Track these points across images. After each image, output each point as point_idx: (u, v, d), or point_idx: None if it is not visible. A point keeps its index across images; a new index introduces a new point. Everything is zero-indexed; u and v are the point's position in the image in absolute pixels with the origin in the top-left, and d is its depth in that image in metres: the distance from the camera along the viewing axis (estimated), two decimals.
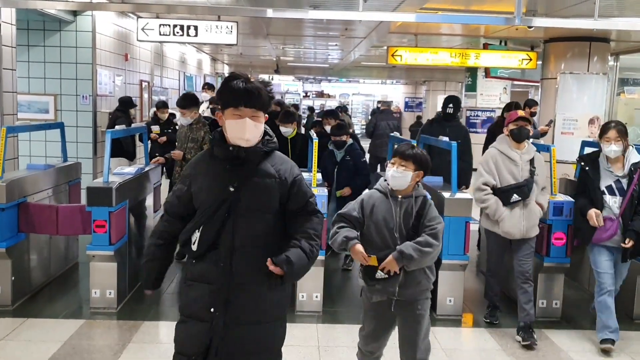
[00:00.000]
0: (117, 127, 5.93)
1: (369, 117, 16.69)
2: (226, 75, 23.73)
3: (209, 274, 2.49)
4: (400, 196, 3.30)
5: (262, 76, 27.84)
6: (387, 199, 3.31)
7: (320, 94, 29.13)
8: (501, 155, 4.77)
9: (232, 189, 2.45)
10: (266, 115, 2.53)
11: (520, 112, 4.83)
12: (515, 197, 4.66)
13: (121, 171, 5.65)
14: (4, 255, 4.93)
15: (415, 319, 3.39)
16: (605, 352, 4.54)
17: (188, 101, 6.45)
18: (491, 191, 4.73)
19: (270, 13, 5.04)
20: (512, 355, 4.51)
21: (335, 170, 6.42)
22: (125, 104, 8.83)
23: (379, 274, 3.22)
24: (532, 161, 4.77)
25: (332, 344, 4.60)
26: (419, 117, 23.27)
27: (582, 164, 4.86)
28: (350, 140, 6.51)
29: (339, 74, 24.10)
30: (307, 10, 5.48)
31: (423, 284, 3.34)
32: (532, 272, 4.84)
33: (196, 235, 2.51)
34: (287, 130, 6.79)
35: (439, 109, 22.25)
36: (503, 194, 4.69)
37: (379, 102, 19.53)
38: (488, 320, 5.15)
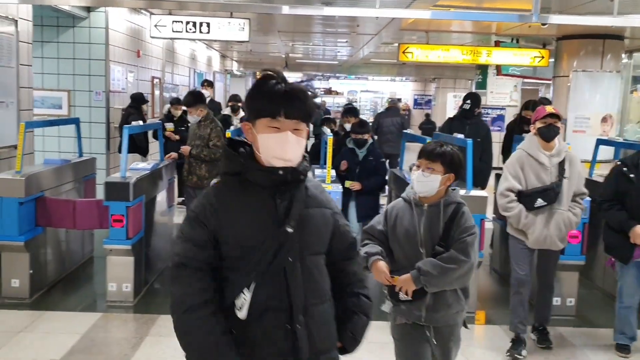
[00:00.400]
0: (133, 123, 5.98)
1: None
2: (235, 72, 23.65)
3: (267, 340, 1.84)
4: (426, 204, 2.85)
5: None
6: (411, 209, 2.87)
7: (329, 91, 29.14)
8: (528, 158, 4.29)
9: (289, 229, 1.84)
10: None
11: (549, 108, 4.33)
12: (539, 201, 4.21)
13: (137, 166, 5.70)
14: (22, 249, 4.98)
15: (446, 347, 2.96)
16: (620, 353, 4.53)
17: (193, 99, 6.38)
18: (515, 198, 4.30)
19: (286, 10, 5.06)
20: (526, 351, 4.51)
21: (357, 170, 6.16)
22: (137, 100, 8.88)
23: (402, 296, 2.79)
24: (562, 163, 4.27)
25: None
26: (427, 115, 23.26)
27: (625, 169, 4.34)
28: (371, 139, 6.26)
29: (348, 71, 24.10)
30: (322, 7, 5.49)
31: (454, 306, 2.86)
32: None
33: (245, 297, 1.81)
34: None
35: (449, 106, 22.21)
36: (526, 198, 4.26)
37: (388, 99, 19.49)
38: (510, 357, 4.40)
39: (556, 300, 5.20)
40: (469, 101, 6.72)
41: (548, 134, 4.26)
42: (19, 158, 5.08)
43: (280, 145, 1.83)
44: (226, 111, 9.03)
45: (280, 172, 1.85)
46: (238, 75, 25.78)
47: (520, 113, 7.21)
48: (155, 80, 12.05)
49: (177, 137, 8.05)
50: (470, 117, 6.71)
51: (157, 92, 12.11)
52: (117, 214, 4.90)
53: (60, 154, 8.81)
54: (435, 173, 2.83)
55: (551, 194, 4.22)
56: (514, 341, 4.43)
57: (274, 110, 1.83)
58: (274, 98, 1.83)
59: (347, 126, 7.06)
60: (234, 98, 10.01)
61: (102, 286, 5.30)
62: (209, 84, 11.54)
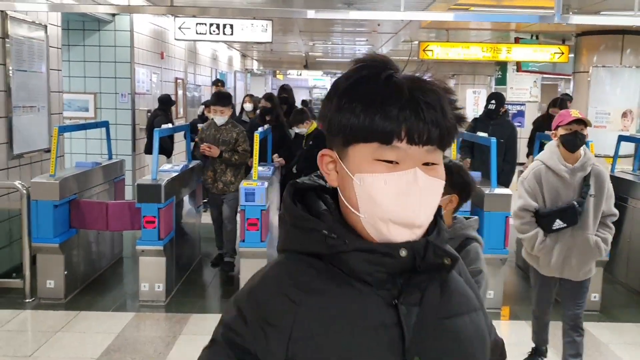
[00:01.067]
0: (163, 126, 6.09)
1: None
2: (255, 70, 23.71)
3: None
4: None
5: (290, 72, 28.02)
6: None
7: None
8: (547, 172, 3.68)
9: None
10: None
11: (575, 112, 3.66)
12: (558, 223, 3.62)
13: (166, 168, 5.83)
14: (57, 251, 5.14)
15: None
16: None
17: (227, 99, 6.34)
18: (532, 219, 3.73)
19: (311, 14, 5.15)
20: (552, 346, 4.57)
21: None
22: (165, 102, 9.02)
23: None
24: (587, 178, 3.67)
25: None
26: None
27: None
28: None
29: None
30: (347, 11, 5.58)
31: None
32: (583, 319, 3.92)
33: None
34: (302, 130, 6.67)
35: (468, 102, 22.14)
36: (544, 219, 3.68)
37: None
38: None
39: None
40: (493, 101, 6.77)
41: (573, 143, 3.62)
42: (53, 162, 5.23)
43: (403, 198, 0.97)
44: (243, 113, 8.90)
45: (403, 252, 0.98)
46: (258, 74, 25.95)
47: (548, 110, 7.10)
48: (179, 81, 12.22)
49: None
50: (494, 117, 6.74)
51: (180, 93, 12.28)
52: (150, 215, 5.03)
53: (87, 155, 9.03)
54: None
55: (572, 214, 3.61)
56: (533, 350, 4.33)
57: (390, 131, 0.96)
58: (390, 107, 0.96)
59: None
60: (251, 98, 9.47)
61: (134, 286, 5.46)
62: (222, 84, 11.11)
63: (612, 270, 6.15)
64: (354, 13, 5.48)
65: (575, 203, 3.61)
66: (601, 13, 9.25)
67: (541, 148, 4.89)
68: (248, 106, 8.84)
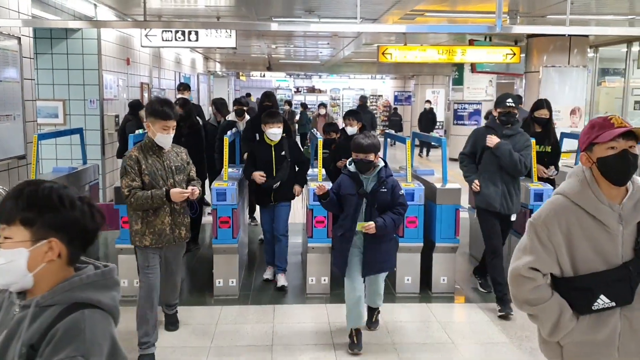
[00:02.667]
0: (137, 131, 6.39)
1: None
2: (218, 72, 23.90)
3: None
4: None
5: (253, 73, 28.31)
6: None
7: (312, 90, 29.64)
8: (578, 212, 2.29)
9: None
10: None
11: (617, 120, 2.25)
12: (603, 301, 2.25)
13: None
14: None
15: None
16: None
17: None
18: (545, 282, 2.35)
19: (275, 27, 5.52)
20: (500, 326, 5.07)
21: (364, 206, 4.34)
22: (135, 107, 9.21)
23: None
24: None
25: (340, 320, 5.13)
26: (395, 109, 23.98)
27: None
28: (380, 162, 4.38)
29: (330, 70, 24.62)
30: (309, 24, 6.00)
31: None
32: None
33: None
34: (276, 132, 5.75)
35: (427, 102, 22.81)
36: (578, 292, 2.29)
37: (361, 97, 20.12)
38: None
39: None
40: (510, 100, 5.32)
41: (622, 169, 2.25)
42: (33, 167, 5.53)
43: None
44: (231, 116, 8.28)
45: None
46: (220, 76, 26.19)
47: (532, 115, 5.98)
48: (144, 86, 12.48)
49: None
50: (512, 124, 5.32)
51: (145, 97, 12.54)
52: (127, 215, 5.35)
53: (57, 161, 9.27)
54: None
55: (625, 287, 2.26)
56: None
57: None
58: None
59: (350, 129, 6.20)
60: (239, 102, 9.09)
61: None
62: (186, 87, 10.55)
63: None
64: (314, 26, 5.90)
65: (630, 268, 2.26)
66: (547, 16, 9.88)
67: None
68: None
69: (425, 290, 5.79)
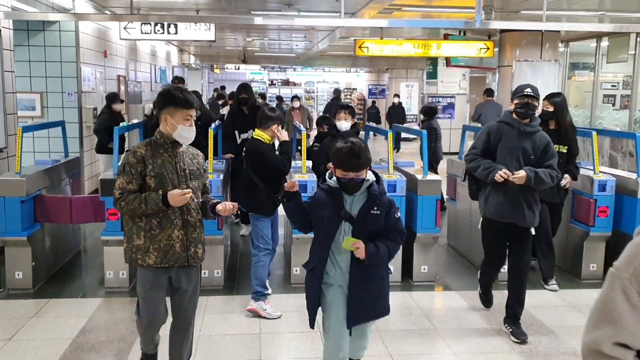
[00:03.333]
0: (122, 124, 6.40)
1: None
2: (192, 65, 23.89)
3: None
4: None
5: (228, 66, 28.23)
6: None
7: (286, 82, 29.68)
8: None
9: None
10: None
11: None
12: None
13: None
14: (25, 244, 5.45)
15: None
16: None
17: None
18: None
19: (259, 21, 5.62)
20: (480, 312, 5.25)
21: (345, 232, 3.26)
22: (109, 99, 9.19)
23: None
24: None
25: None
26: (373, 102, 24.17)
27: None
28: (371, 176, 3.34)
29: (305, 63, 24.69)
30: (293, 18, 6.08)
31: None
32: None
33: None
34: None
35: (402, 95, 23.12)
36: None
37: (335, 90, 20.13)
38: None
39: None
40: (529, 90, 4.50)
41: None
42: (18, 160, 5.54)
43: None
44: (225, 110, 7.89)
45: None
46: (195, 68, 26.08)
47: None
48: (121, 78, 12.43)
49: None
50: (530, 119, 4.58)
51: (122, 90, 12.49)
52: (113, 207, 5.40)
53: (35, 153, 9.22)
54: None
55: None
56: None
57: None
58: None
59: (342, 124, 5.85)
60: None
61: (98, 274, 5.86)
62: (180, 81, 10.51)
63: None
64: (299, 20, 5.99)
65: None
66: (521, 12, 10.12)
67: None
68: None
69: (407, 279, 5.95)
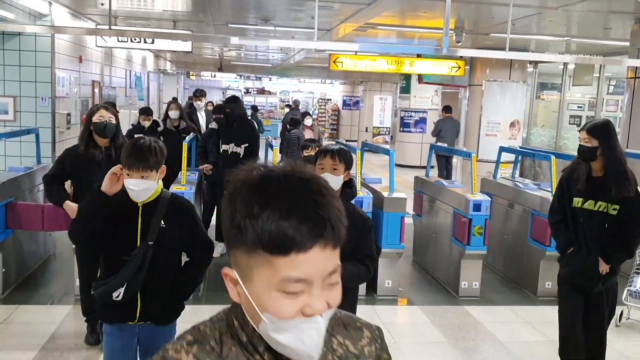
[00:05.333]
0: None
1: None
2: (168, 70, 23.78)
3: None
4: None
5: (204, 73, 28.29)
6: None
7: (262, 91, 29.82)
8: None
9: None
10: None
11: None
12: None
13: None
14: None
15: None
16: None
17: None
18: None
19: (235, 40, 5.79)
20: (439, 327, 5.45)
21: None
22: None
23: None
24: None
25: None
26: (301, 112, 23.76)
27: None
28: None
29: (281, 73, 24.86)
30: (268, 40, 6.28)
31: None
32: None
33: None
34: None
35: (375, 108, 23.43)
36: None
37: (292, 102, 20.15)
38: None
39: (464, 284, 6.19)
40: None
41: None
42: None
43: None
44: (213, 125, 7.62)
45: None
46: (171, 74, 26.08)
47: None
48: (96, 84, 12.45)
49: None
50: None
51: (96, 93, 12.51)
52: None
53: (6, 157, 9.22)
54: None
55: None
56: None
57: None
58: None
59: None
60: (176, 104, 8.42)
61: (66, 281, 5.93)
62: (202, 94, 10.04)
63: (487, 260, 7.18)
64: (273, 41, 6.19)
65: None
66: (490, 35, 10.43)
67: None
68: (174, 113, 8.02)
69: (371, 292, 6.13)
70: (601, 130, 3.77)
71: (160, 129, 7.65)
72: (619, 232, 3.78)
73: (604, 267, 3.81)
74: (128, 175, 2.80)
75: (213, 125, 7.64)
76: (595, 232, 3.83)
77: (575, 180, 3.88)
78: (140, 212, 2.89)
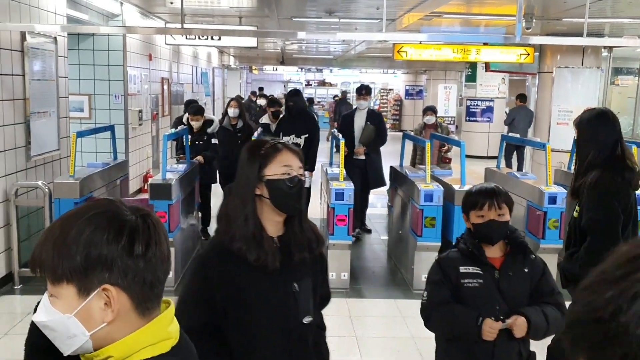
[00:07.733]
0: (170, 130, 6.63)
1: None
2: (232, 66, 24.14)
3: None
4: None
5: (266, 67, 28.56)
6: None
7: (322, 83, 29.85)
8: None
9: None
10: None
11: None
12: None
13: (173, 169, 6.44)
14: None
15: None
16: None
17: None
18: None
19: (302, 35, 5.78)
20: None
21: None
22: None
23: None
24: None
25: (361, 314, 5.43)
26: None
27: None
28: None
29: (342, 64, 24.79)
30: (335, 33, 6.24)
31: None
32: None
33: None
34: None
35: (440, 97, 23.10)
36: None
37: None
38: None
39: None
40: None
41: None
42: (72, 163, 5.83)
43: None
44: (264, 119, 7.77)
45: None
46: (234, 69, 26.46)
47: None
48: (164, 80, 12.76)
49: (201, 158, 7.29)
50: None
51: (165, 89, 12.83)
52: (161, 210, 5.65)
53: (82, 154, 9.57)
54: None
55: None
56: None
57: None
58: None
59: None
60: (276, 102, 8.26)
61: None
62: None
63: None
64: (340, 34, 6.14)
65: None
66: (563, 20, 10.07)
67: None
68: (233, 112, 7.76)
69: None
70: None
71: (210, 130, 7.49)
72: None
73: None
74: None
75: (264, 119, 7.72)
76: None
77: None
78: None
